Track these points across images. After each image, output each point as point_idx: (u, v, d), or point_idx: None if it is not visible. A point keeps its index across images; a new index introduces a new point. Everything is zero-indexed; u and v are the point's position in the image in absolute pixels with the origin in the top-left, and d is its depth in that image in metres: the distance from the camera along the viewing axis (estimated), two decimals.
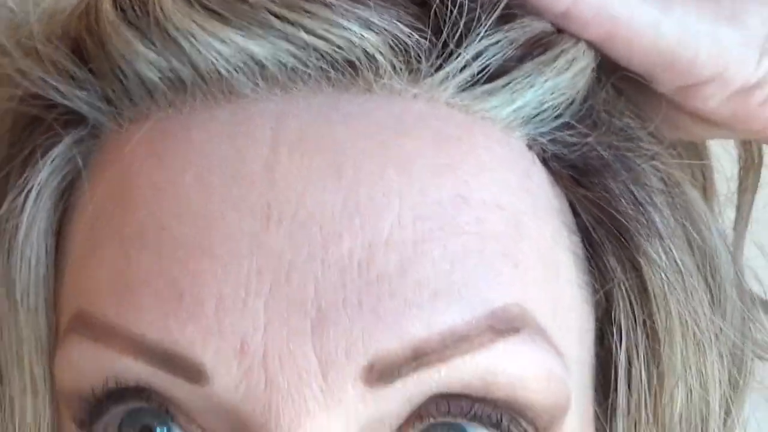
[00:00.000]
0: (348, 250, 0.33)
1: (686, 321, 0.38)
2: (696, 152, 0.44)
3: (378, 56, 0.35)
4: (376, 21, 0.35)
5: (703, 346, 0.38)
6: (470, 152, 0.36)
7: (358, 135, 0.35)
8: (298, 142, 0.35)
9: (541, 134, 0.37)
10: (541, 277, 0.36)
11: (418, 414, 0.34)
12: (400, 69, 0.35)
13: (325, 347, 0.33)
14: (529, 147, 0.37)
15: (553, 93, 0.37)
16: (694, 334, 0.38)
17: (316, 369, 0.33)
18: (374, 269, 0.33)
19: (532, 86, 0.36)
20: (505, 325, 0.34)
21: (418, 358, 0.33)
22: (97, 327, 0.35)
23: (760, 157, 0.45)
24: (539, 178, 0.37)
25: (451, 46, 0.36)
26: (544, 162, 0.38)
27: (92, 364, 0.35)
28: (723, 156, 0.46)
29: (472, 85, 0.36)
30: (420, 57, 0.35)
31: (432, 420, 0.34)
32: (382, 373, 0.33)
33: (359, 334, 0.33)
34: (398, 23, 0.35)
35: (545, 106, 0.37)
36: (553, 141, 0.37)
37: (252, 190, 0.34)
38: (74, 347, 0.36)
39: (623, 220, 0.37)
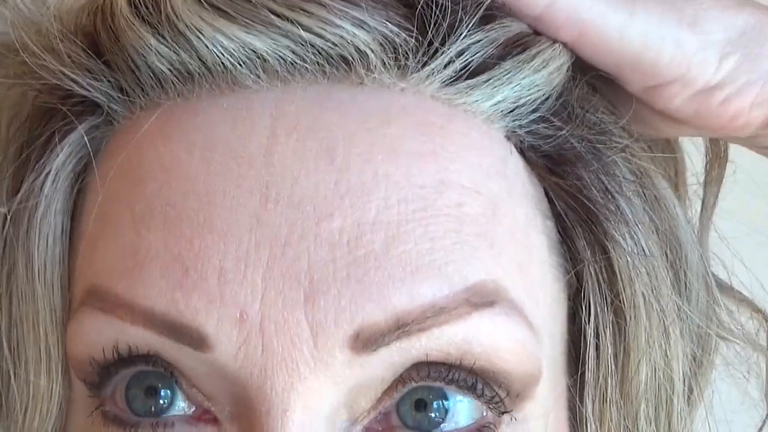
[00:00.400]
0: (338, 228, 0.36)
1: (650, 301, 0.41)
2: (669, 148, 0.46)
3: (369, 53, 0.38)
4: (368, 21, 0.38)
5: (667, 325, 0.41)
6: (452, 140, 0.39)
7: (349, 121, 0.38)
8: (294, 128, 0.38)
9: (519, 126, 0.40)
10: (515, 257, 0.39)
11: (401, 379, 0.37)
12: (389, 65, 0.38)
13: (315, 316, 0.36)
14: (508, 138, 0.40)
15: (530, 89, 0.40)
16: (658, 313, 0.41)
17: (308, 335, 0.36)
18: (362, 246, 0.36)
19: (510, 82, 0.39)
20: (480, 298, 0.37)
21: (401, 327, 0.36)
22: (108, 300, 0.38)
23: (726, 152, 0.48)
24: (516, 166, 0.40)
25: (436, 44, 0.39)
26: (521, 152, 0.41)
27: (104, 334, 0.38)
28: (693, 152, 0.49)
29: (456, 80, 0.39)
30: (407, 54, 0.38)
31: (414, 384, 0.37)
32: (367, 340, 0.36)
33: (347, 305, 0.36)
34: (388, 23, 0.38)
35: (523, 100, 0.40)
36: (529, 133, 0.40)
37: (251, 171, 0.37)
38: (87, 319, 0.39)
39: (593, 207, 0.40)
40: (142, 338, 0.37)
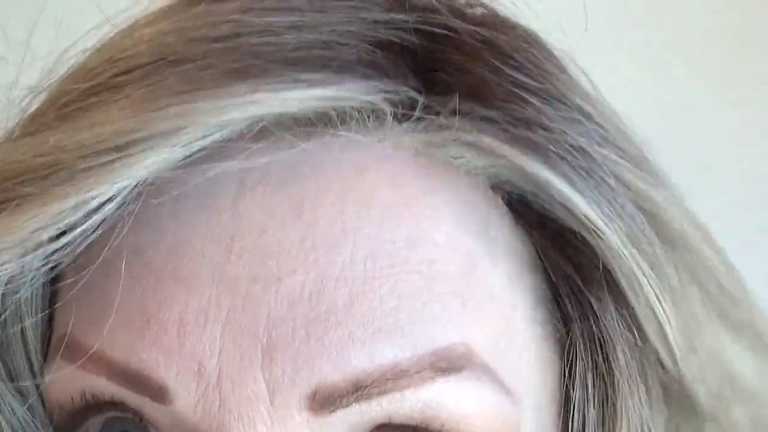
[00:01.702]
0: (300, 284, 0.35)
1: (635, 376, 0.39)
2: None
3: (347, 114, 0.36)
4: (347, 86, 0.36)
5: (651, 399, 0.39)
6: (429, 192, 0.37)
7: (320, 173, 0.36)
8: (263, 179, 0.36)
9: (505, 178, 0.38)
10: (493, 316, 0.37)
11: None
12: (368, 119, 0.37)
13: (273, 373, 0.35)
14: (493, 189, 0.39)
15: None
16: (644, 386, 0.39)
17: (265, 393, 0.35)
18: (324, 303, 0.35)
19: None
20: (447, 363, 0.36)
21: (359, 389, 0.35)
22: (75, 349, 0.37)
23: None
24: (500, 219, 0.39)
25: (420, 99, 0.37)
26: (509, 203, 0.39)
27: (72, 384, 0.38)
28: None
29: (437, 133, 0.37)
30: (387, 111, 0.37)
31: None
32: (324, 401, 0.35)
33: (304, 364, 0.35)
34: (366, 87, 0.36)
35: None
36: (516, 186, 0.38)
37: (219, 222, 0.36)
38: (58, 367, 0.38)
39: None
40: (107, 388, 0.37)
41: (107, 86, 0.37)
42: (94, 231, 0.35)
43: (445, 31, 0.38)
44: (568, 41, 0.42)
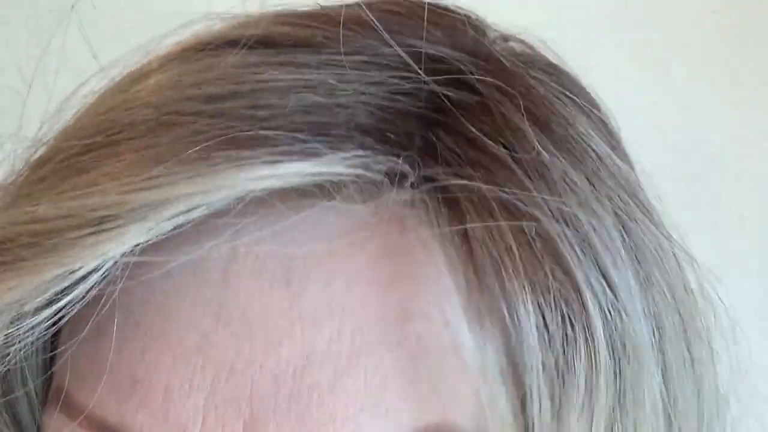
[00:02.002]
0: (285, 358, 0.34)
1: None
2: None
3: (342, 184, 0.36)
4: (342, 155, 0.35)
5: None
6: (422, 267, 0.36)
7: (312, 242, 0.35)
8: (254, 247, 0.35)
9: None
10: (478, 390, 0.36)
11: None
12: (363, 190, 0.36)
13: None
14: None
15: None
16: None
17: None
18: (307, 379, 0.34)
19: None
20: None
21: None
22: (68, 404, 0.37)
23: None
24: None
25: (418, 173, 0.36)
26: None
27: None
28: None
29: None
30: (383, 181, 0.36)
31: None
32: None
33: None
34: (364, 159, 0.35)
35: None
36: None
37: (208, 288, 0.35)
38: (51, 416, 0.38)
39: None
40: None
41: (101, 144, 0.36)
42: (83, 299, 0.35)
43: (463, 96, 0.37)
44: (568, 41, 0.42)
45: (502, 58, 0.39)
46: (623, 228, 0.38)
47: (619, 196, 0.38)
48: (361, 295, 0.35)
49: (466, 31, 0.40)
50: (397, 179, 0.36)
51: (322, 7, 0.41)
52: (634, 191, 0.39)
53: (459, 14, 0.41)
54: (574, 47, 0.42)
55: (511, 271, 0.35)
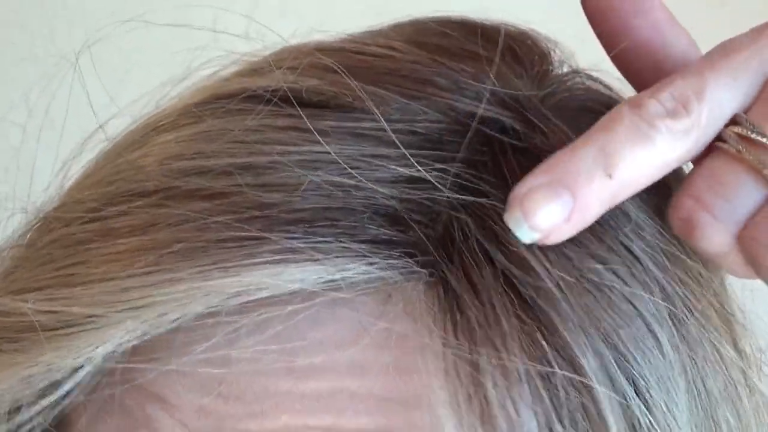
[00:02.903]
0: (284, 428, 0.33)
1: None
2: None
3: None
4: (351, 255, 0.33)
5: None
6: (425, 351, 0.34)
7: (316, 328, 0.34)
8: (257, 327, 0.33)
9: None
10: None
11: None
12: (367, 282, 0.34)
13: None
14: None
15: None
16: None
17: None
18: None
19: None
20: None
21: None
22: None
23: None
24: None
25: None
26: None
27: None
28: None
29: None
30: (391, 277, 0.34)
31: None
32: None
33: None
34: (373, 259, 0.34)
35: None
36: None
37: (209, 365, 0.34)
38: None
39: None
40: None
41: (97, 228, 0.35)
42: (66, 396, 0.35)
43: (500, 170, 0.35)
44: (568, 42, 0.42)
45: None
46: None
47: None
48: (367, 384, 0.33)
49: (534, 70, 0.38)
50: (410, 274, 0.34)
51: (355, 43, 0.38)
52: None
53: (539, 46, 0.39)
54: (575, 48, 0.42)
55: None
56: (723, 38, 0.36)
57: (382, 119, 0.34)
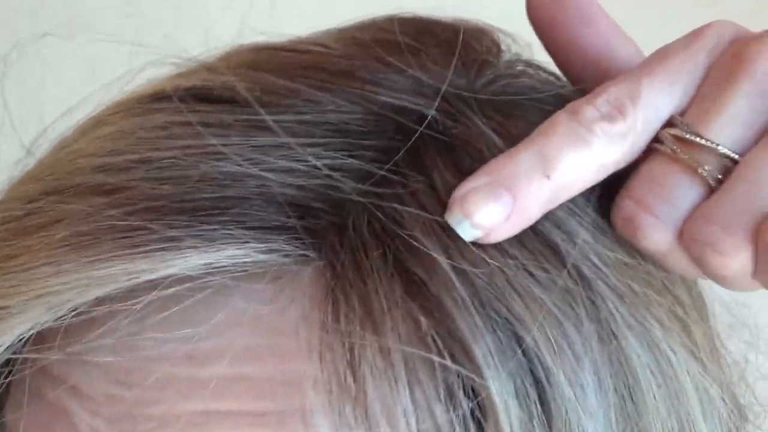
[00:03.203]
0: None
1: None
2: None
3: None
4: (243, 240, 0.34)
5: None
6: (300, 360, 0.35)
7: (212, 311, 0.34)
8: (148, 331, 0.35)
9: None
10: None
11: None
12: (258, 269, 0.35)
13: None
14: None
15: None
16: None
17: None
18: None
19: None
20: None
21: None
22: None
23: None
24: None
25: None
26: None
27: None
28: None
29: None
30: (281, 262, 0.35)
31: None
32: None
33: None
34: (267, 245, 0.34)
35: None
36: None
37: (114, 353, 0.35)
38: None
39: None
40: None
41: (24, 224, 0.36)
42: None
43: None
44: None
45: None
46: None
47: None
48: (259, 363, 0.34)
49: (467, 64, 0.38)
50: (301, 258, 0.34)
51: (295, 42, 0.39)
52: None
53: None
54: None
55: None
56: None
57: (279, 110, 0.35)
